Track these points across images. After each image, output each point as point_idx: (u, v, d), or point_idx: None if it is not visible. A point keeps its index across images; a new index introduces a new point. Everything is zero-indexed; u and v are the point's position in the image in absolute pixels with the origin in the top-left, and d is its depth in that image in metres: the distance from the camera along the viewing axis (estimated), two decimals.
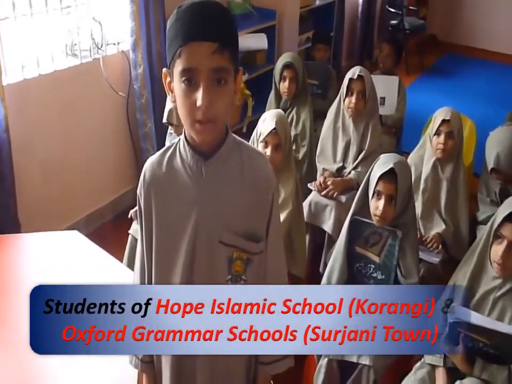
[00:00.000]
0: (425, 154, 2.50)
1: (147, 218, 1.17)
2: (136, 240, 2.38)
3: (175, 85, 1.03)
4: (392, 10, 5.86)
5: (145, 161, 1.21)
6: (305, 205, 2.53)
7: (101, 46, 2.88)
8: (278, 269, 1.22)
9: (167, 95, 1.10)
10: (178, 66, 1.00)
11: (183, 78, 1.00)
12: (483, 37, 6.20)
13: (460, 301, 1.77)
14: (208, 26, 0.98)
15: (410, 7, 6.19)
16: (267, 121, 2.20)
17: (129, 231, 2.42)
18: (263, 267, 1.18)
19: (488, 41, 6.10)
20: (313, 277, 2.42)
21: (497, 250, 1.69)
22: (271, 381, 1.31)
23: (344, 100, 2.64)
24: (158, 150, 3.44)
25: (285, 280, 1.25)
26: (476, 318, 1.65)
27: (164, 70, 1.08)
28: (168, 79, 1.07)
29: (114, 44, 2.98)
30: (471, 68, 6.14)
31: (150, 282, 1.20)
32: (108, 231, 3.04)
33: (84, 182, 3.00)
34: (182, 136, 1.13)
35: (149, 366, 1.27)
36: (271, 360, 1.23)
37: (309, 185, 2.66)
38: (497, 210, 1.78)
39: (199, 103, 0.98)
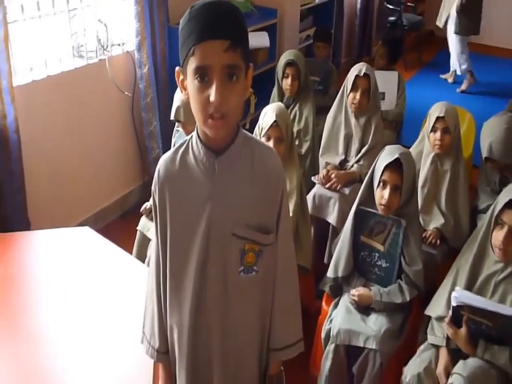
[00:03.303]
0: (424, 149, 2.53)
1: (162, 213, 1.20)
2: (143, 235, 2.44)
3: (189, 82, 1.06)
4: (390, 6, 5.90)
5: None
6: (309, 197, 2.58)
7: (107, 47, 2.94)
8: (288, 260, 1.25)
9: (181, 92, 1.12)
10: (192, 64, 1.02)
11: (197, 75, 1.02)
12: (480, 31, 6.24)
13: (463, 285, 1.83)
14: (220, 25, 1.01)
15: (408, 4, 6.23)
16: (268, 115, 2.22)
17: (138, 228, 2.48)
18: (273, 258, 1.21)
19: (484, 36, 6.13)
20: (319, 267, 2.48)
21: (498, 236, 1.75)
22: (282, 367, 1.34)
23: (348, 95, 2.67)
24: (163, 148, 3.47)
25: (294, 271, 1.29)
26: (479, 301, 1.70)
27: (177, 68, 1.11)
28: (181, 77, 1.09)
29: (119, 45, 3.04)
30: None
31: (165, 274, 1.23)
32: (115, 229, 3.08)
33: (91, 181, 3.05)
34: (194, 133, 1.15)
35: (165, 356, 1.31)
36: (283, 345, 1.27)
37: (312, 178, 2.71)
38: (498, 197, 1.83)
39: (212, 98, 1.01)
